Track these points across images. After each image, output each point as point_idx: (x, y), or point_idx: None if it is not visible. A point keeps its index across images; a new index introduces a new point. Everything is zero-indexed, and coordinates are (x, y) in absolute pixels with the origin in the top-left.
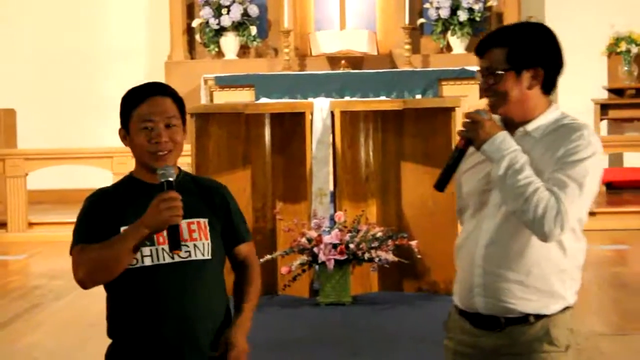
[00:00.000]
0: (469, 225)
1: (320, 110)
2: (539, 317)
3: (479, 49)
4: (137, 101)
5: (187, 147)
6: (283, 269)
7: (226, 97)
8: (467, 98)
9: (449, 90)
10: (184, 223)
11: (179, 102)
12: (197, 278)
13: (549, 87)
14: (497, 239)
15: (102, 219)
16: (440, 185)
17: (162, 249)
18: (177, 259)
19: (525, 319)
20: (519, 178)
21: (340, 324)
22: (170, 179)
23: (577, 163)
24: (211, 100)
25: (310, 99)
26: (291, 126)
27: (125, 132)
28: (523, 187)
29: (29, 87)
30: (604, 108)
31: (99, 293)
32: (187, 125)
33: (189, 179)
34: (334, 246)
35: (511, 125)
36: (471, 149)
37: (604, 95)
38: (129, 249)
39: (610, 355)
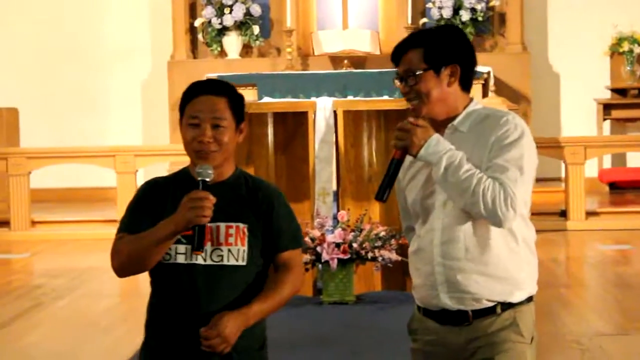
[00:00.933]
0: (421, 231)
1: (323, 110)
2: (504, 306)
3: (395, 55)
4: (191, 96)
5: None
6: None
7: None
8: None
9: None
10: (222, 226)
11: (235, 102)
12: (227, 283)
13: (466, 83)
14: (450, 234)
15: (146, 211)
16: (380, 195)
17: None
18: (209, 261)
19: (492, 310)
20: (460, 174)
21: (344, 323)
22: (207, 179)
23: (510, 146)
24: None
25: (312, 99)
26: (294, 126)
27: (181, 126)
28: (466, 180)
29: (32, 86)
30: (607, 108)
31: (100, 293)
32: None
33: (242, 180)
34: (337, 245)
35: (436, 125)
36: (407, 162)
37: (606, 95)
38: (157, 243)
39: (613, 355)
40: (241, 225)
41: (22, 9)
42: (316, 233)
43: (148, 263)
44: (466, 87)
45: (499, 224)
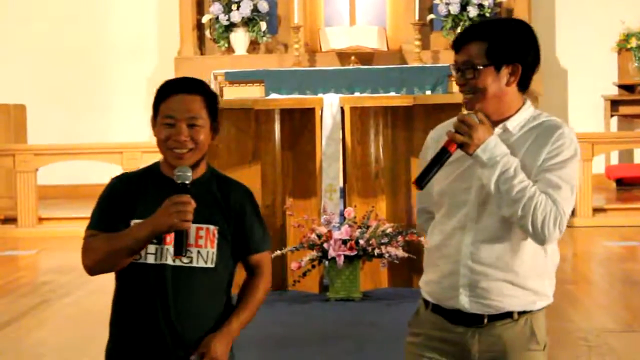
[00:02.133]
0: (447, 225)
1: (330, 106)
2: (521, 313)
3: (457, 42)
4: (164, 95)
5: None
6: (293, 265)
7: (236, 93)
8: None
9: None
10: (193, 227)
11: (210, 101)
12: (195, 284)
13: (525, 84)
14: (484, 238)
15: (117, 207)
16: (420, 181)
17: (168, 249)
18: (178, 262)
19: (508, 315)
20: (514, 183)
21: (350, 319)
22: (186, 182)
23: (565, 163)
24: (221, 95)
25: (320, 95)
26: (301, 122)
27: (154, 123)
28: (520, 192)
29: (39, 83)
30: (614, 104)
31: (108, 289)
32: (220, 125)
33: (213, 180)
34: (344, 242)
35: None
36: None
37: (614, 92)
38: (135, 244)
39: (619, 351)
40: (211, 227)
41: (28, 6)
42: (323, 230)
43: (122, 263)
44: (524, 87)
45: (541, 242)
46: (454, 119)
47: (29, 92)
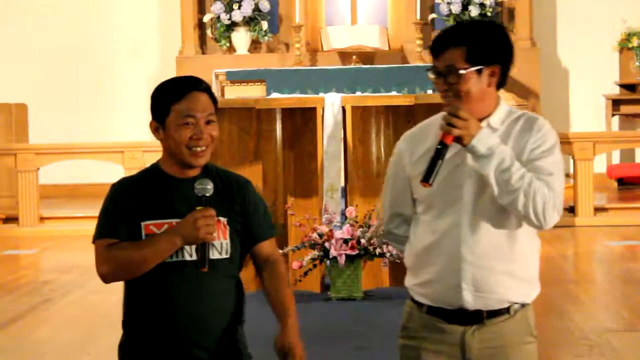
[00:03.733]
0: (440, 224)
1: (332, 106)
2: (518, 307)
3: (436, 48)
4: (177, 96)
5: None
6: (294, 264)
7: (237, 92)
8: None
9: None
10: None
11: (213, 97)
12: (212, 276)
13: (502, 82)
14: (482, 232)
15: (125, 211)
16: (428, 178)
17: (183, 246)
18: (195, 256)
19: (506, 311)
20: (513, 171)
21: (352, 319)
22: (207, 194)
23: (551, 150)
24: (222, 95)
25: (321, 94)
26: (302, 121)
27: (159, 125)
28: (519, 180)
29: (41, 82)
30: (616, 103)
31: (109, 289)
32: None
33: (214, 173)
34: (345, 241)
35: None
36: (417, 152)
37: (615, 91)
38: (156, 255)
39: (621, 350)
40: (222, 219)
41: (30, 5)
42: (324, 229)
43: (143, 271)
44: (501, 86)
45: (540, 227)
46: (429, 121)
47: (31, 92)
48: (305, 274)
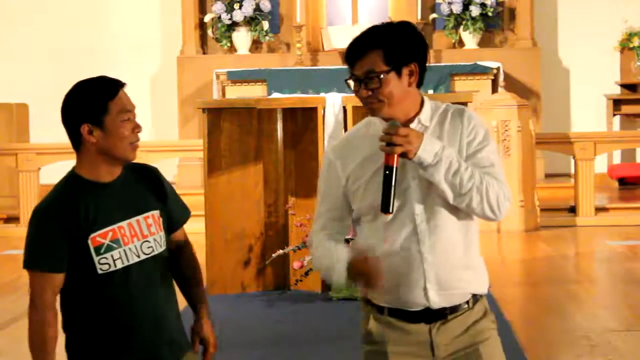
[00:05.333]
0: (395, 230)
1: (333, 106)
2: (474, 299)
3: (352, 56)
4: (111, 93)
5: (199, 142)
6: (295, 264)
7: (238, 92)
8: (479, 93)
9: (461, 85)
10: (141, 219)
11: None
12: (160, 271)
13: (421, 80)
14: (438, 230)
15: (62, 235)
16: (387, 207)
17: (130, 248)
18: (142, 256)
19: (465, 304)
20: (462, 172)
21: (352, 319)
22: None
23: (486, 140)
24: (223, 95)
25: (322, 94)
26: (303, 121)
27: (93, 127)
28: (470, 180)
29: (42, 82)
30: (617, 103)
31: None
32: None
33: (133, 170)
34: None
35: None
36: (353, 164)
37: (616, 91)
38: None
39: (622, 350)
40: (155, 212)
41: (32, 6)
42: None
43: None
44: (419, 84)
45: (496, 218)
46: (354, 132)
47: (32, 91)
48: (306, 273)
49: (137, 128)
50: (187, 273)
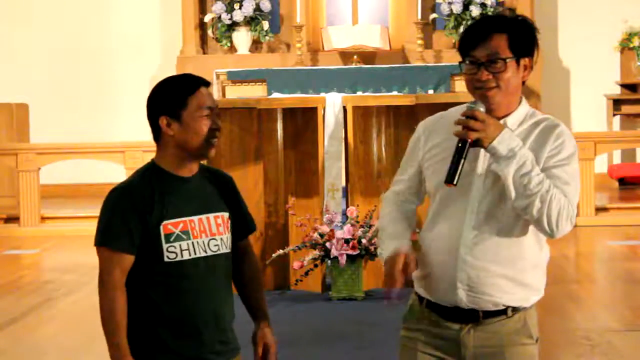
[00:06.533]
0: (445, 219)
1: (333, 106)
2: (515, 309)
3: (475, 37)
4: (192, 88)
5: None
6: (295, 264)
7: (238, 92)
8: None
9: (462, 85)
10: (211, 217)
11: None
12: (223, 271)
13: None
14: (483, 234)
15: (133, 221)
16: (452, 178)
17: (197, 242)
18: (209, 252)
19: (503, 312)
20: (532, 175)
21: (352, 319)
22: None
23: (569, 159)
24: (223, 95)
25: (322, 94)
26: (303, 121)
27: (171, 120)
28: (538, 185)
29: (42, 82)
30: (617, 103)
31: None
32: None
33: (207, 172)
34: (346, 241)
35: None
36: (433, 141)
37: (616, 91)
38: (110, 344)
39: (622, 350)
40: (225, 214)
41: (31, 4)
42: (325, 229)
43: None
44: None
45: (551, 234)
46: (449, 113)
47: (32, 91)
48: (306, 273)
49: (215, 125)
50: (249, 279)
